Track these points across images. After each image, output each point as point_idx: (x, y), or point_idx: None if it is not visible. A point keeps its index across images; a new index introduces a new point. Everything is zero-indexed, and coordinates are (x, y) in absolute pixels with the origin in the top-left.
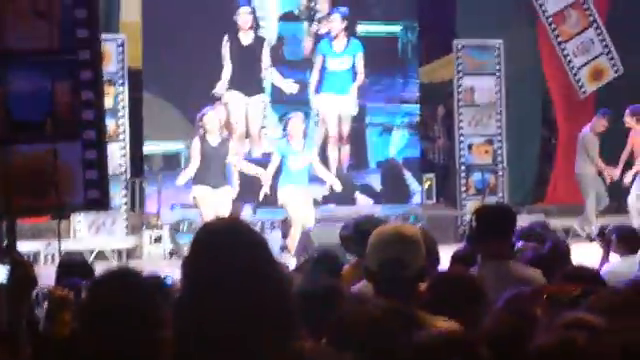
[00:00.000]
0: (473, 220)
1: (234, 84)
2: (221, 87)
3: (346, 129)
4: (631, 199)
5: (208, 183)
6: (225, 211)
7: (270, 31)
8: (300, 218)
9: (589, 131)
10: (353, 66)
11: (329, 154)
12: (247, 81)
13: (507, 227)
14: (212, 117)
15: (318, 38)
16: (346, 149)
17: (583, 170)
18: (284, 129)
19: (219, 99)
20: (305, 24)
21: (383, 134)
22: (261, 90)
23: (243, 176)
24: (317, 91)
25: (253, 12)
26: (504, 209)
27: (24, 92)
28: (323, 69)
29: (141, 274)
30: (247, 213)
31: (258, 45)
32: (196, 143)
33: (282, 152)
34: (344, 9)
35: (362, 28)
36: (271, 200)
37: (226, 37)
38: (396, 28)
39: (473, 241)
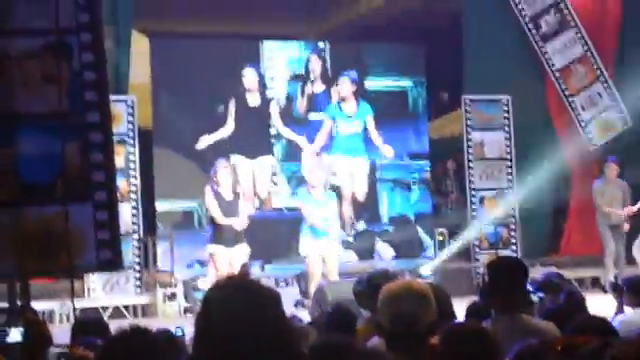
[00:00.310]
0: (485, 273)
1: (240, 146)
2: (209, 140)
3: (362, 189)
4: (635, 247)
5: (224, 242)
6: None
7: (279, 92)
8: (319, 272)
9: (599, 181)
10: (364, 129)
11: (344, 213)
12: (254, 142)
13: (519, 280)
14: (226, 173)
15: (313, 97)
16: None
17: (597, 220)
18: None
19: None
20: (300, 84)
21: (395, 189)
22: (269, 151)
23: (253, 235)
24: (328, 152)
25: (259, 75)
26: (516, 261)
27: (34, 154)
28: (334, 132)
29: (152, 331)
30: (255, 270)
31: (265, 106)
32: (209, 193)
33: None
34: (353, 73)
35: (371, 84)
36: (283, 256)
37: (233, 100)
38: (406, 83)
39: (486, 294)
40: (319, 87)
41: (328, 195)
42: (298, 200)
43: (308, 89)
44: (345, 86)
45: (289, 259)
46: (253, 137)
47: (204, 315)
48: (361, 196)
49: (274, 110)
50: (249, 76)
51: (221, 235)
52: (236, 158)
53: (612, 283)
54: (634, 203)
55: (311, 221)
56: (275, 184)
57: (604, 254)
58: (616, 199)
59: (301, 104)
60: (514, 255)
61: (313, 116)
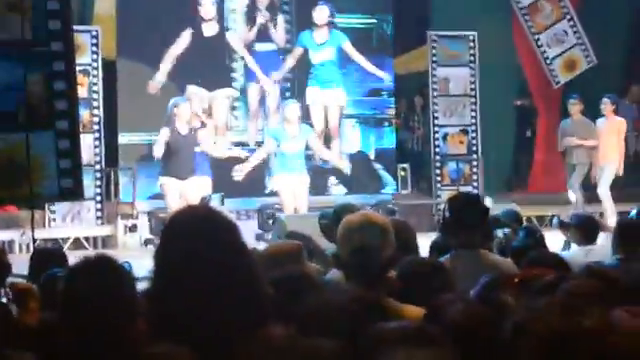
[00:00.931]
0: (445, 210)
1: (197, 77)
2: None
3: (334, 122)
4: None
5: (175, 174)
6: (194, 201)
7: (238, 22)
8: (291, 205)
9: (564, 120)
10: (338, 58)
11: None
12: (211, 74)
13: (478, 217)
14: (185, 107)
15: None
16: (335, 142)
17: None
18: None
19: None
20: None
21: (359, 126)
22: (228, 84)
23: (213, 167)
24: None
25: (217, 3)
26: (475, 199)
27: None
28: (307, 62)
29: (117, 260)
30: (215, 204)
31: (222, 37)
32: (164, 132)
33: (277, 138)
34: (330, 5)
35: (338, 20)
36: (243, 189)
37: (187, 31)
38: (371, 20)
39: (446, 230)
40: (265, 17)
41: (304, 129)
42: (270, 137)
43: (259, 19)
44: (322, 14)
45: (250, 194)
46: (210, 68)
47: (163, 245)
48: (333, 131)
49: (234, 40)
50: (205, 5)
51: (169, 167)
52: (193, 89)
53: (559, 220)
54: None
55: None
56: (235, 117)
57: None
58: (578, 135)
59: (248, 34)
60: (474, 192)
61: (260, 47)
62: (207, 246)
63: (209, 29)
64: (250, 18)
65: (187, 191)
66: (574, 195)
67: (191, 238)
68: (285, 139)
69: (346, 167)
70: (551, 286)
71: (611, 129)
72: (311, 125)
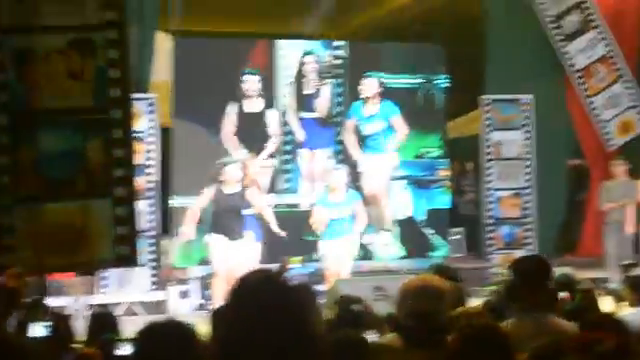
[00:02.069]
0: (510, 272)
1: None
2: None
3: (384, 185)
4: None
5: (223, 232)
6: (245, 264)
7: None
8: (335, 272)
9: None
10: (388, 128)
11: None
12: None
13: (543, 279)
14: (234, 168)
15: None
16: (385, 204)
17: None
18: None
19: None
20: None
21: (412, 188)
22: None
23: (268, 232)
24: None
25: (260, 80)
26: (539, 260)
27: (56, 150)
28: (357, 132)
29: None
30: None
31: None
32: (208, 191)
33: (324, 204)
34: (379, 75)
35: (389, 81)
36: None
37: (231, 105)
38: (422, 81)
39: (511, 293)
40: (312, 88)
41: (351, 195)
42: (318, 206)
43: (304, 89)
44: (370, 87)
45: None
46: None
47: (231, 309)
48: (382, 194)
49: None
50: (249, 81)
51: (217, 225)
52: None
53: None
54: None
55: (320, 224)
56: (286, 181)
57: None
58: (621, 197)
59: (293, 103)
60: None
61: (304, 114)
62: (273, 319)
63: (253, 105)
64: (298, 88)
65: (236, 252)
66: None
67: (258, 308)
68: (330, 205)
69: (394, 230)
70: (613, 351)
71: None
72: (359, 190)
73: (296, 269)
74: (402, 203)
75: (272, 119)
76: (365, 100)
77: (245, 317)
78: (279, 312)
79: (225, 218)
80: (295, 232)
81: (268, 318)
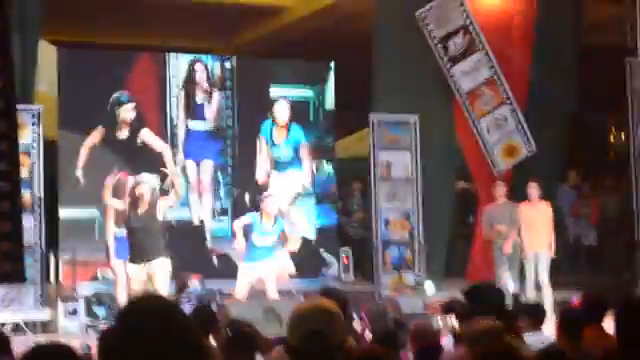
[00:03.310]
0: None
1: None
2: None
3: (288, 204)
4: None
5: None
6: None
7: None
8: (244, 292)
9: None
10: (295, 154)
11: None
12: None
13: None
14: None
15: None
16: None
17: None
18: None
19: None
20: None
21: (307, 204)
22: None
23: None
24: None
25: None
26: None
27: None
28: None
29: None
30: (194, 284)
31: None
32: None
33: (252, 227)
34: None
35: (277, 90)
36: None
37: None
38: (311, 93)
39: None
40: (200, 98)
41: (279, 223)
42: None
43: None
44: (283, 112)
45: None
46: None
47: (121, 332)
48: (288, 214)
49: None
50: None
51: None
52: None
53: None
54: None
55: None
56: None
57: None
58: (502, 220)
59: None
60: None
61: (192, 125)
62: (164, 339)
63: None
64: (187, 97)
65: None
66: (511, 282)
67: (149, 335)
68: (259, 231)
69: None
70: None
71: (539, 215)
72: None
73: (194, 288)
74: (300, 220)
75: (149, 137)
76: (275, 125)
77: (132, 341)
78: (164, 335)
79: (140, 240)
80: (191, 248)
81: (152, 341)
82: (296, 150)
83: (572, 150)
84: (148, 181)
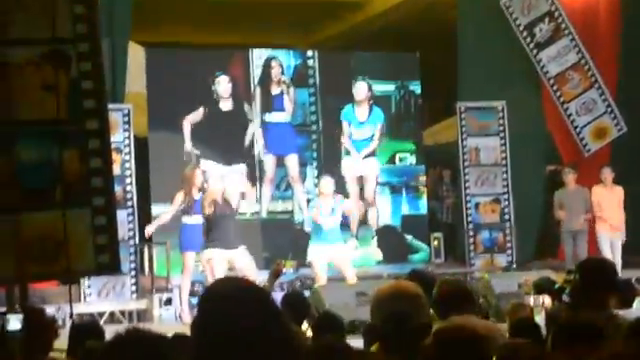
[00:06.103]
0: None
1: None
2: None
3: (371, 192)
4: None
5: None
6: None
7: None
8: (324, 277)
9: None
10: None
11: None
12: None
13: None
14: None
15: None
16: (373, 210)
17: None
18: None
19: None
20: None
21: (390, 194)
22: (241, 160)
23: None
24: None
25: (232, 81)
26: (605, 262)
27: (33, 161)
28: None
29: (152, 332)
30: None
31: (238, 112)
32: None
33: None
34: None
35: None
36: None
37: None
38: (399, 88)
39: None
40: (276, 90)
41: (338, 202)
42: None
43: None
44: (361, 90)
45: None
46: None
47: (201, 318)
48: (370, 201)
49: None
50: (222, 82)
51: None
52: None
53: None
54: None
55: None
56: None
57: None
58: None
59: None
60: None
61: (268, 117)
62: (243, 322)
63: (225, 105)
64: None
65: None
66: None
67: (227, 314)
68: (320, 212)
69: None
70: None
71: (613, 197)
72: (346, 196)
73: (289, 274)
74: (379, 209)
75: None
76: (357, 104)
77: (212, 325)
78: (247, 318)
79: (219, 227)
80: (285, 238)
81: (232, 319)
82: (376, 129)
83: None
84: (230, 173)
